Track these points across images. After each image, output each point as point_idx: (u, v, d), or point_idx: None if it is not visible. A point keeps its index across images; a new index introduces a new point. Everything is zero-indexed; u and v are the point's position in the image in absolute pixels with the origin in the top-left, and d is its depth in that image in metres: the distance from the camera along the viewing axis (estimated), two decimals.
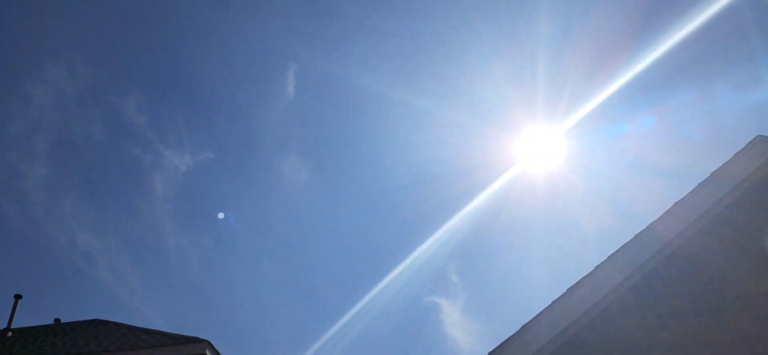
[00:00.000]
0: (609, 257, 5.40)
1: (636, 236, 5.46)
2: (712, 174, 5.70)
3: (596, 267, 5.43)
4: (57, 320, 15.63)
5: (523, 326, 5.21)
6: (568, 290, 5.35)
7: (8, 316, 14.68)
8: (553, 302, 5.26)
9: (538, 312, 5.26)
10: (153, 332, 11.72)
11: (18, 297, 15.23)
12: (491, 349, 5.16)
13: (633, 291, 5.28)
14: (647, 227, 5.45)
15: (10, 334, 14.19)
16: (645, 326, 5.12)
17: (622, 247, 5.42)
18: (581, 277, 5.41)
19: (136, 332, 12.02)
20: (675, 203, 5.59)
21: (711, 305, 5.06)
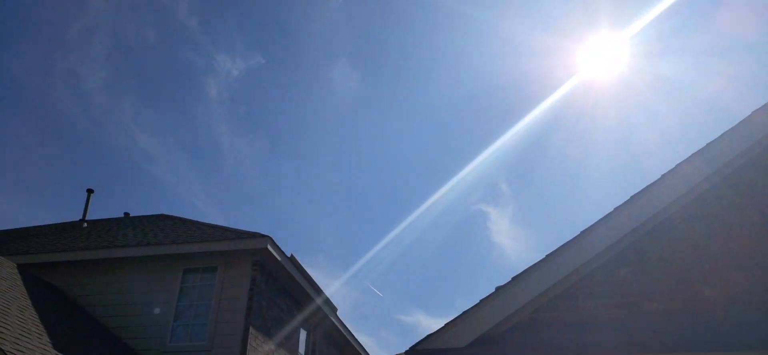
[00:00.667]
0: (676, 167, 5.27)
1: (707, 144, 5.28)
2: None
3: (662, 176, 5.30)
4: (126, 214, 16.55)
5: (582, 232, 5.22)
6: (630, 198, 5.27)
7: (82, 209, 15.68)
8: (614, 210, 5.22)
9: (596, 221, 5.23)
10: (217, 227, 12.31)
11: (90, 191, 16.16)
12: (541, 256, 5.20)
13: (699, 201, 5.18)
14: (717, 138, 5.24)
15: (85, 225, 15.18)
16: (710, 235, 5.05)
17: (691, 157, 5.26)
18: (644, 186, 5.30)
19: (201, 226, 12.65)
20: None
21: None
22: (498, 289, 5.18)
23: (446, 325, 5.12)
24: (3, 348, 5.38)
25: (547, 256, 5.22)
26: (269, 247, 10.61)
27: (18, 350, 5.65)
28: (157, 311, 10.76)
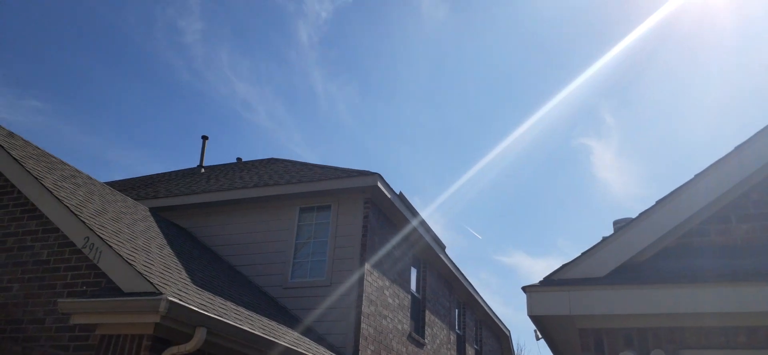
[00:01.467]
0: None
1: None
2: None
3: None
4: (239, 159, 17.30)
5: (738, 146, 4.73)
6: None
7: (194, 156, 16.54)
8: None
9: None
10: (326, 167, 12.56)
11: (205, 138, 16.97)
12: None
13: None
14: None
15: (203, 170, 16.03)
16: None
17: None
18: None
19: (311, 167, 12.96)
20: None
21: None
22: (642, 214, 4.84)
23: (584, 253, 4.87)
24: (152, 281, 5.76)
25: (697, 176, 4.79)
26: (379, 184, 10.68)
27: (164, 283, 6.04)
28: (276, 249, 11.24)
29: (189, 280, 7.18)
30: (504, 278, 50.23)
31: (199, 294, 6.71)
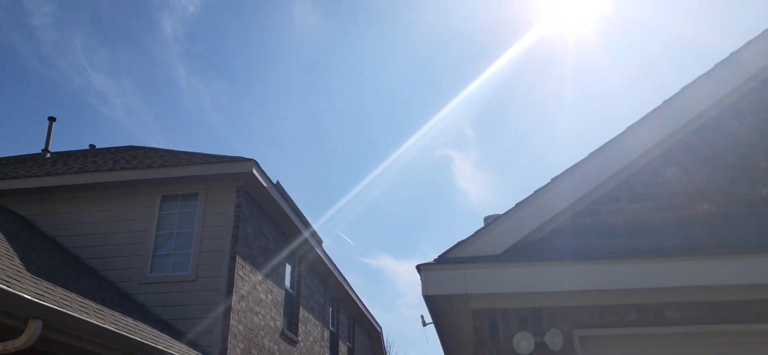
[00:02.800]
0: (643, 118, 4.74)
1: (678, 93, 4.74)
2: None
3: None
4: (92, 146, 15.58)
5: (624, 131, 4.72)
6: (677, 93, 4.77)
7: (40, 146, 14.63)
8: (656, 109, 4.72)
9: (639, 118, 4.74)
10: (195, 153, 11.55)
11: (52, 119, 15.09)
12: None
13: (753, 94, 4.72)
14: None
15: (48, 155, 14.19)
16: (766, 130, 4.62)
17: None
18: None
19: (177, 153, 11.86)
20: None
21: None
22: (536, 192, 4.68)
23: (478, 231, 4.61)
24: None
25: (589, 155, 4.72)
26: (254, 171, 9.95)
27: None
28: (133, 241, 10.07)
29: (23, 268, 6.05)
30: (370, 278, 50.62)
31: (35, 283, 5.65)
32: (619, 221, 4.64)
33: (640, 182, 4.74)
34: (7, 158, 14.71)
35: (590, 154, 4.70)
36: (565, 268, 4.24)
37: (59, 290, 6.09)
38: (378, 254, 53.58)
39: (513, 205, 4.68)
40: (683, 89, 4.74)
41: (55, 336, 5.14)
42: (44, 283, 5.95)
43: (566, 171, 4.69)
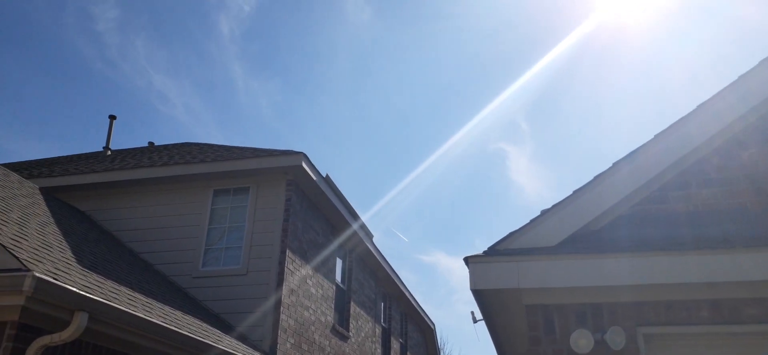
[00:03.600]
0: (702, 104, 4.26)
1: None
2: None
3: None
4: (151, 143, 15.94)
5: (698, 107, 4.31)
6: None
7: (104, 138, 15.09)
8: (738, 78, 4.28)
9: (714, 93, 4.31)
10: (246, 148, 11.59)
11: (112, 118, 15.53)
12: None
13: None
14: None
15: (109, 152, 14.60)
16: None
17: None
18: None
19: (230, 148, 11.94)
20: None
21: None
22: (596, 178, 4.33)
23: (532, 221, 4.30)
24: (18, 257, 4.72)
25: (655, 137, 4.33)
26: (304, 164, 9.86)
27: (36, 260, 5.00)
28: (186, 235, 10.17)
29: (74, 260, 6.12)
30: (423, 275, 50.26)
31: (85, 276, 5.68)
32: (689, 208, 4.23)
33: (712, 166, 4.32)
34: (70, 157, 15.23)
35: (656, 136, 4.31)
36: (627, 260, 3.89)
37: (109, 283, 6.13)
38: (431, 250, 53.22)
39: (570, 193, 4.35)
40: (763, 61, 4.28)
41: (101, 328, 5.14)
42: (95, 276, 6.00)
43: (629, 155, 4.32)
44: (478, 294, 4.18)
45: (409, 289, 16.80)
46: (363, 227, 12.83)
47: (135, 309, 5.60)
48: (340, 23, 36.79)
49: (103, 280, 6.05)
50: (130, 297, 6.08)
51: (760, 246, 3.68)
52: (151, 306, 6.35)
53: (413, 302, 17.39)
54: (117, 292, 5.91)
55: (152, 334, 5.76)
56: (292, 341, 9.62)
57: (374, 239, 13.76)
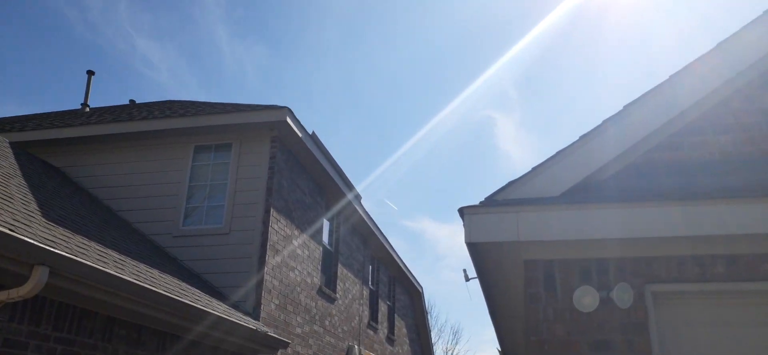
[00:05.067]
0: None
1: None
2: None
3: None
4: (132, 101, 15.39)
5: (719, 44, 3.93)
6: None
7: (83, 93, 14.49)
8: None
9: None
10: (229, 103, 11.12)
11: (91, 73, 14.92)
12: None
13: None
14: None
15: (87, 108, 14.05)
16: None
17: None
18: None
19: (212, 105, 11.46)
20: None
21: None
22: (605, 122, 3.95)
23: (534, 169, 3.94)
24: None
25: (669, 78, 3.95)
26: (288, 119, 9.42)
27: None
28: (166, 193, 9.75)
29: (39, 214, 5.70)
30: (410, 241, 50.18)
31: (50, 230, 5.27)
32: (705, 155, 3.89)
33: (731, 109, 3.96)
34: (47, 114, 14.65)
35: (670, 77, 3.93)
36: (637, 210, 3.54)
37: (78, 238, 5.73)
38: (418, 216, 53.09)
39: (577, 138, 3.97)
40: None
41: (65, 285, 4.75)
42: (61, 230, 5.59)
43: (641, 98, 3.94)
44: (474, 248, 3.83)
45: (397, 252, 16.54)
46: (351, 188, 12.46)
47: (105, 265, 5.22)
48: None
49: (70, 235, 5.65)
50: (100, 253, 5.69)
51: None
52: (124, 263, 5.96)
53: (401, 265, 17.15)
54: (86, 247, 5.51)
55: (125, 292, 5.38)
56: (277, 302, 9.30)
57: (364, 205, 13.41)
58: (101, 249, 5.91)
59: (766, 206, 3.36)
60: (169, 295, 5.88)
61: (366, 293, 14.48)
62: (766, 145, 3.82)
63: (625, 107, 3.93)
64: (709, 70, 3.86)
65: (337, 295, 12.21)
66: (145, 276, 6.02)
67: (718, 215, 3.44)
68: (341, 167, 11.82)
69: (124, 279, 5.28)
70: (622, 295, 3.65)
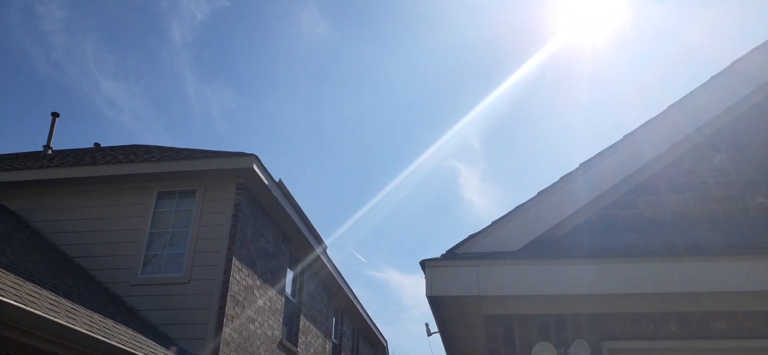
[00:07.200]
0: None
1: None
2: None
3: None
4: (96, 144, 15.16)
5: (665, 110, 4.10)
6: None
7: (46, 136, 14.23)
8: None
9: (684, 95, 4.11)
10: (194, 150, 11.03)
11: (55, 115, 14.69)
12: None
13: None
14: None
15: (49, 151, 13.76)
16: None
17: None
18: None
19: (177, 150, 11.36)
20: None
21: None
22: (562, 178, 4.05)
23: (494, 223, 3.99)
24: None
25: (625, 137, 4.09)
26: (255, 167, 9.38)
27: None
28: (125, 239, 9.53)
29: None
30: (374, 291, 49.78)
31: None
32: (658, 214, 4.00)
33: (683, 170, 4.10)
34: (9, 155, 14.31)
35: (626, 136, 4.07)
36: (593, 267, 3.60)
37: (29, 285, 5.53)
38: (384, 266, 52.86)
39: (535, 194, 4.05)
40: (735, 63, 4.10)
41: (13, 335, 4.57)
42: (12, 277, 5.40)
43: (597, 155, 4.06)
44: (435, 301, 3.83)
45: (362, 304, 16.36)
46: (317, 237, 12.38)
47: (56, 315, 5.04)
48: (295, 36, 36.32)
49: (21, 282, 5.46)
50: (52, 302, 5.50)
51: (728, 255, 3.45)
52: (76, 313, 5.77)
53: (366, 318, 16.95)
54: (37, 296, 5.33)
55: (77, 344, 5.20)
56: None
57: (328, 251, 13.31)
58: (53, 298, 5.72)
59: (714, 264, 3.45)
60: (121, 347, 5.69)
61: (329, 346, 14.22)
62: (715, 205, 3.95)
63: (582, 165, 4.04)
64: (661, 131, 4.01)
65: (299, 349, 11.96)
66: (98, 327, 5.82)
67: (670, 273, 3.52)
68: (308, 216, 11.76)
69: (76, 330, 5.10)
70: (580, 351, 3.67)
